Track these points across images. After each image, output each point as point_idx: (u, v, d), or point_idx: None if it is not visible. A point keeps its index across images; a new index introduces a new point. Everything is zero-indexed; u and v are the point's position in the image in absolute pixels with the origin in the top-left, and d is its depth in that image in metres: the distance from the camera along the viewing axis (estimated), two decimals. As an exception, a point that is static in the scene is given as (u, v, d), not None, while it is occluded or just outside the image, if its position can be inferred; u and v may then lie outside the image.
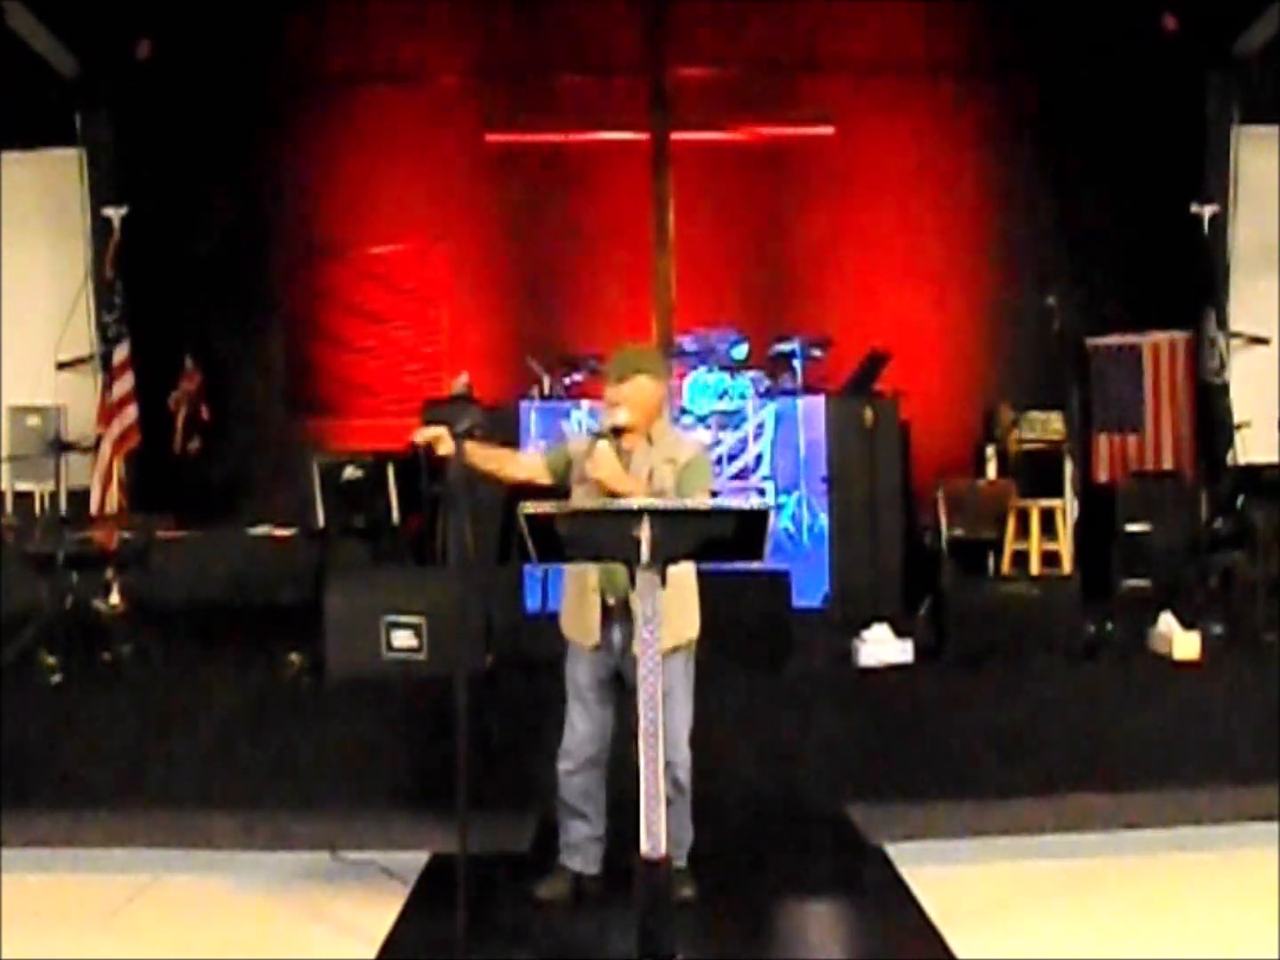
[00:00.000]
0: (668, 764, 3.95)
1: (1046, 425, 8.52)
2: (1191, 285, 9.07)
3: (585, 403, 7.98)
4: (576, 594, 4.10)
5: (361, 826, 4.95)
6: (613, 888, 4.11)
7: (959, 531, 7.59)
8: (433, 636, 5.36)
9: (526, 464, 4.27)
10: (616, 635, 4.06)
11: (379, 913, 4.15)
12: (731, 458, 8.02)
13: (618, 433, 4.08)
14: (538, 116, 9.36)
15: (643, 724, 3.26)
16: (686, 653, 4.15)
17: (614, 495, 3.91)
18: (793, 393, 8.14)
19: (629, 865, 3.33)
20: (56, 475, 7.45)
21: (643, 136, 9.19)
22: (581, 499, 3.98)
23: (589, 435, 4.22)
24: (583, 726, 4.13)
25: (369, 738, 5.24)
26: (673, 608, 3.98)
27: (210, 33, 9.02)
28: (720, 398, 8.14)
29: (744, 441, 8.01)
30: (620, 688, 4.12)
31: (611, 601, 4.04)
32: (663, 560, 3.24)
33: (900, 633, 5.72)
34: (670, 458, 4.07)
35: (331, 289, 9.78)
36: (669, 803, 3.98)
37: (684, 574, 3.98)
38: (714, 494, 4.21)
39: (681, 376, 8.39)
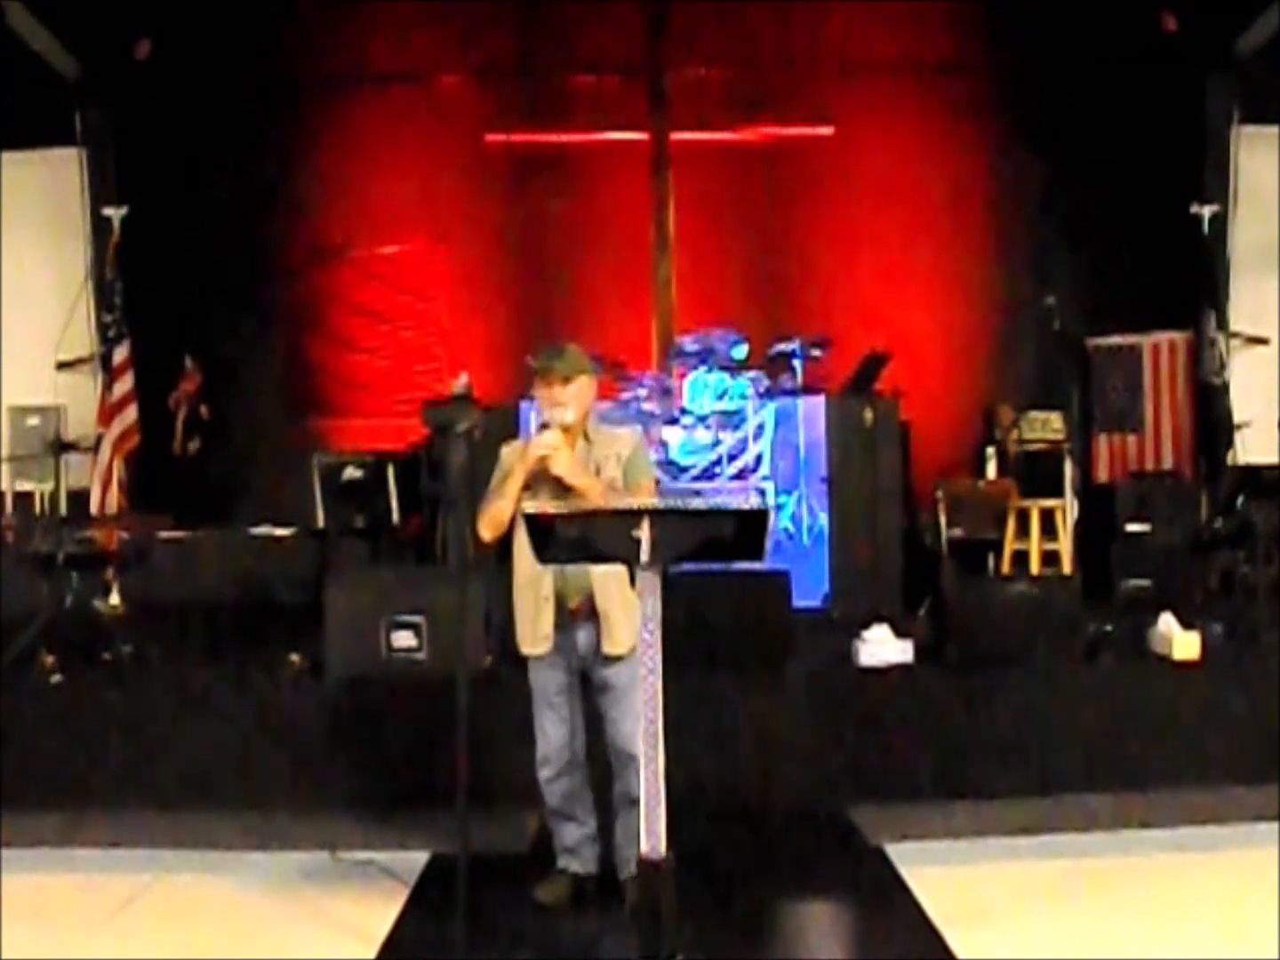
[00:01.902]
0: (633, 760, 3.93)
1: (1046, 425, 8.53)
2: (1191, 285, 9.07)
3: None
4: (531, 603, 4.07)
5: (361, 826, 4.95)
6: (612, 887, 4.12)
7: (959, 531, 7.59)
8: (433, 636, 5.35)
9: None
10: (581, 637, 4.06)
11: (379, 913, 4.16)
12: (731, 458, 8.02)
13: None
14: (538, 117, 9.36)
15: (643, 723, 3.25)
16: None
17: (567, 492, 3.93)
18: (793, 393, 8.14)
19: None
20: (56, 475, 7.44)
21: (643, 136, 9.20)
22: (532, 501, 3.94)
23: (518, 442, 4.22)
24: (556, 732, 4.11)
25: (369, 738, 5.24)
26: (630, 606, 3.99)
27: (210, 33, 9.01)
28: (720, 398, 8.13)
29: (744, 441, 8.01)
30: (585, 688, 4.13)
31: (574, 604, 4.04)
32: (663, 560, 3.23)
33: (900, 633, 5.72)
34: (614, 452, 4.09)
35: (331, 289, 9.78)
36: (635, 804, 3.96)
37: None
38: (656, 482, 4.23)
39: (682, 376, 8.39)
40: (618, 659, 4.04)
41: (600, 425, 4.26)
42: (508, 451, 4.20)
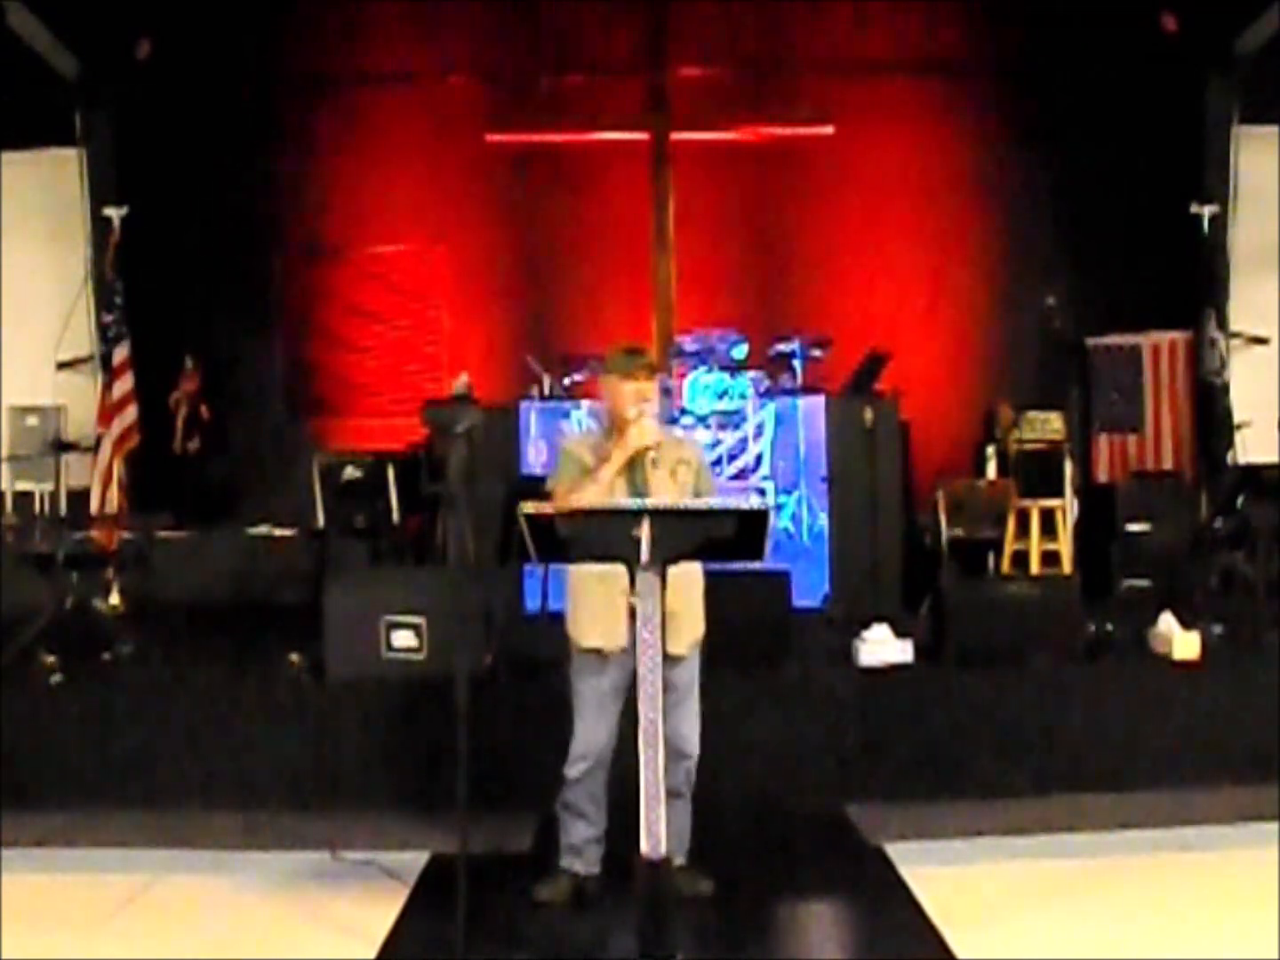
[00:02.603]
0: (685, 758, 4.03)
1: (1046, 425, 8.51)
2: (1191, 285, 9.07)
3: (585, 403, 7.97)
4: (604, 598, 4.00)
5: (361, 826, 4.95)
6: (612, 887, 4.12)
7: (959, 531, 7.59)
8: (433, 636, 5.36)
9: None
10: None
11: (379, 913, 4.16)
12: (731, 458, 8.02)
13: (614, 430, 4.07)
14: (538, 116, 9.36)
15: (643, 723, 3.26)
16: (698, 650, 4.18)
17: (642, 485, 3.93)
18: (793, 393, 8.14)
19: (629, 864, 3.33)
20: (56, 475, 7.46)
21: (643, 136, 9.19)
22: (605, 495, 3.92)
23: (583, 434, 4.21)
24: (598, 732, 4.08)
25: (369, 738, 5.24)
26: (693, 606, 4.07)
27: (210, 33, 9.02)
28: (720, 398, 8.13)
29: (744, 441, 8.01)
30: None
31: None
32: (663, 560, 3.24)
33: (900, 633, 5.72)
34: (682, 458, 4.10)
35: (332, 289, 9.78)
36: (678, 798, 4.04)
37: (696, 571, 4.03)
38: None
39: (681, 376, 8.39)
40: (679, 658, 4.03)
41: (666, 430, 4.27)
42: (575, 444, 4.17)
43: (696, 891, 4.13)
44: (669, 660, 3.97)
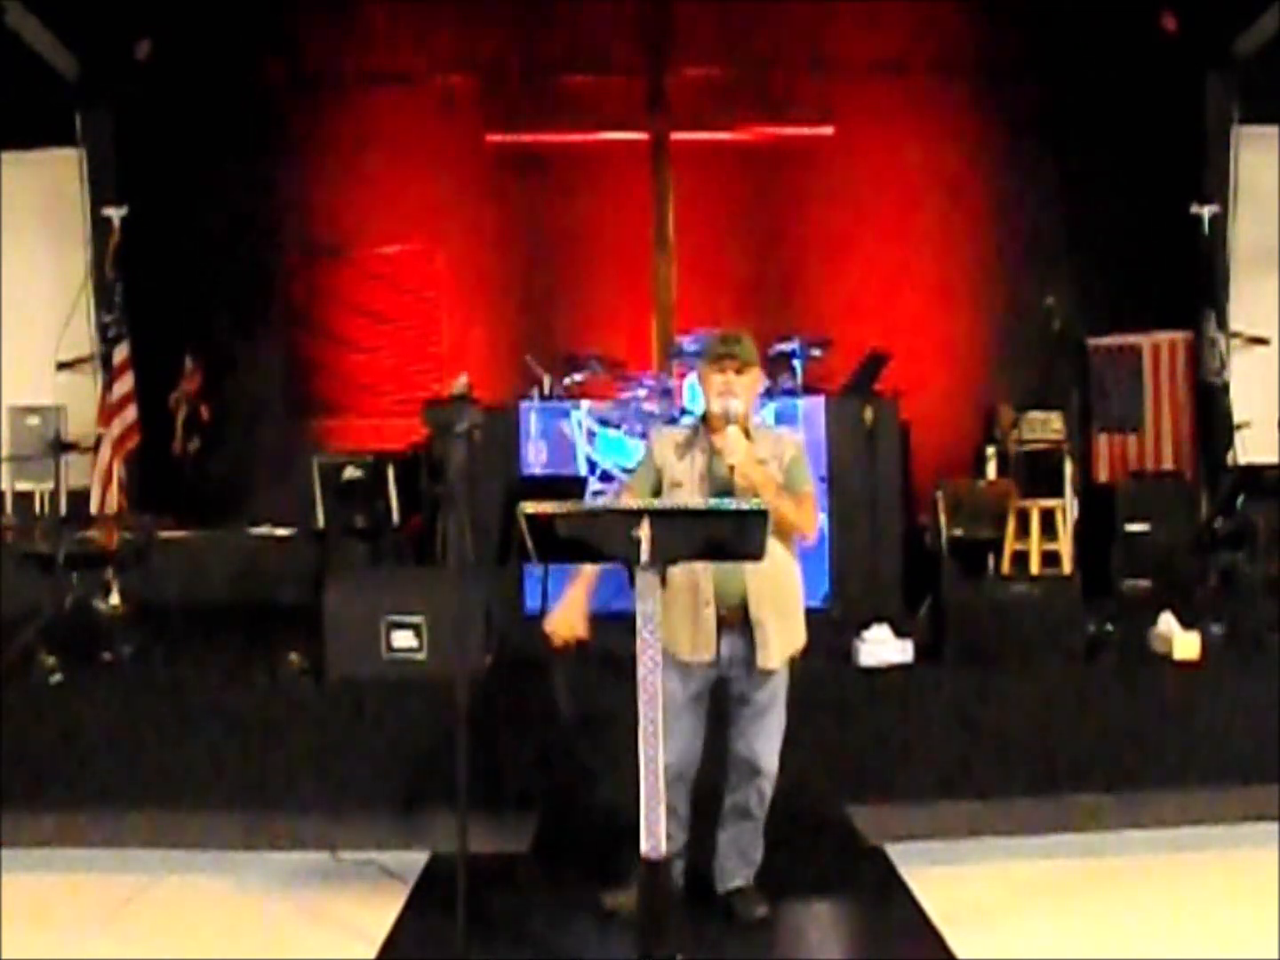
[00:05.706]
0: (758, 775, 3.97)
1: (1046, 425, 8.52)
2: (1191, 285, 9.07)
3: (585, 403, 7.97)
4: (689, 606, 3.84)
5: (361, 826, 4.95)
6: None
7: (959, 531, 7.58)
8: (433, 636, 5.35)
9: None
10: (725, 647, 3.87)
11: (379, 913, 4.16)
12: (731, 458, 8.00)
13: (706, 424, 3.91)
14: (538, 117, 9.36)
15: (642, 723, 3.25)
16: (788, 664, 4.02)
17: (726, 487, 3.77)
18: (793, 393, 8.13)
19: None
20: (56, 475, 7.44)
21: (643, 136, 9.19)
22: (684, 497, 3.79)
23: (668, 430, 4.04)
24: (678, 742, 3.83)
25: (369, 738, 5.24)
26: (789, 613, 3.92)
27: (210, 33, 9.02)
28: (720, 398, 8.12)
29: (744, 441, 8.00)
30: (717, 699, 3.98)
31: (724, 612, 3.85)
32: (664, 561, 3.23)
33: (900, 633, 5.71)
34: (776, 454, 3.91)
35: (331, 289, 9.78)
36: (747, 817, 4.00)
37: (792, 571, 3.89)
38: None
39: (681, 376, 8.38)
40: (768, 673, 3.91)
41: (761, 425, 4.03)
42: (663, 441, 3.98)
43: (753, 916, 4.00)
44: (756, 674, 3.91)
